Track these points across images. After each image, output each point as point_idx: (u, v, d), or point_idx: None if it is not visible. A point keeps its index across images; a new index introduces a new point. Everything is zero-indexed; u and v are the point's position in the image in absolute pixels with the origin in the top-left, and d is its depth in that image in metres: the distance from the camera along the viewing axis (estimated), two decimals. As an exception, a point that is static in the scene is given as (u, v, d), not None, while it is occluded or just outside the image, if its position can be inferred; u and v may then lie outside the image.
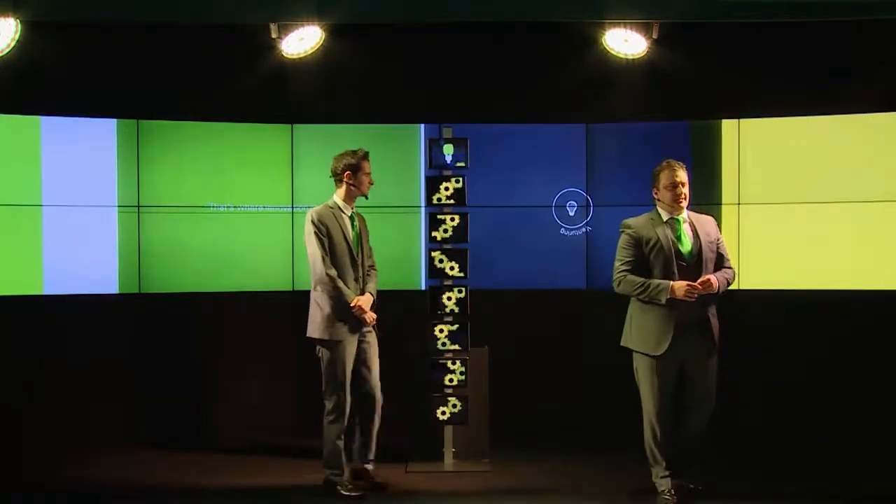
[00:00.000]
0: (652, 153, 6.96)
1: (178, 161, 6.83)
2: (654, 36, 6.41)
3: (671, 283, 5.25)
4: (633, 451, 6.56)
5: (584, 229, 7.08)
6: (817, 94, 6.69)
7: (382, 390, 5.71)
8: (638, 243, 5.36)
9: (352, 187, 5.62)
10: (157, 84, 6.70)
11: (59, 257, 6.58)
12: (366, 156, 5.65)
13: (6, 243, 6.50)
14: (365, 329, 5.64)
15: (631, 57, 6.59)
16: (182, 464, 6.35)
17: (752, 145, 6.86)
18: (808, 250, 6.71)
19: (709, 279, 5.23)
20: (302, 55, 6.53)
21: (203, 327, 6.93)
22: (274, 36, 6.39)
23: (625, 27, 6.43)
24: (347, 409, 5.57)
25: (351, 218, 5.66)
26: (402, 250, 6.91)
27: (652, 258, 5.32)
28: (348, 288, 5.54)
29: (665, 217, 5.38)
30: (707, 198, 6.83)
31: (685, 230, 5.36)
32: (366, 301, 5.57)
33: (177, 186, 6.84)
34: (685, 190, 5.34)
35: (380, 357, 5.71)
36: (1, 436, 6.37)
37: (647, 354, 5.34)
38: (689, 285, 5.21)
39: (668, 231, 5.34)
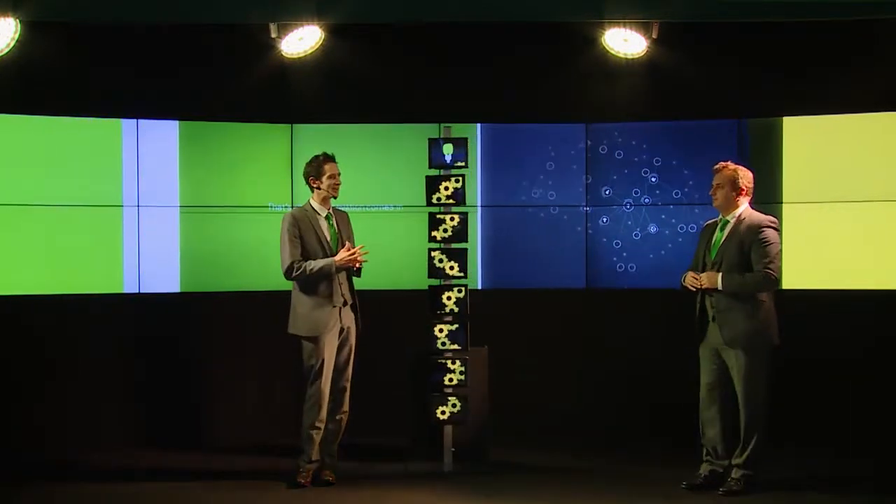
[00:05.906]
0: (655, 153, 7.01)
1: (176, 161, 6.82)
2: (654, 36, 6.42)
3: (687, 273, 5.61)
4: (634, 450, 6.59)
5: (584, 229, 7.07)
6: (817, 93, 6.69)
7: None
8: (699, 242, 5.72)
9: (319, 190, 5.76)
10: (156, 84, 6.69)
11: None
12: (327, 159, 5.75)
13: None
14: (345, 326, 5.72)
15: (631, 57, 6.60)
16: (182, 464, 6.37)
17: (750, 145, 6.85)
18: (812, 250, 6.70)
19: (702, 275, 5.48)
20: (302, 55, 6.54)
21: (202, 327, 6.92)
22: (274, 36, 6.40)
23: (625, 27, 6.44)
24: (324, 401, 5.70)
25: (327, 218, 5.78)
26: (410, 250, 6.86)
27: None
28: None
29: (719, 217, 5.63)
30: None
31: (725, 231, 5.55)
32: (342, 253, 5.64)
33: (175, 186, 6.82)
34: (712, 192, 5.58)
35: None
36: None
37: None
38: (690, 275, 5.53)
39: (716, 231, 5.60)
